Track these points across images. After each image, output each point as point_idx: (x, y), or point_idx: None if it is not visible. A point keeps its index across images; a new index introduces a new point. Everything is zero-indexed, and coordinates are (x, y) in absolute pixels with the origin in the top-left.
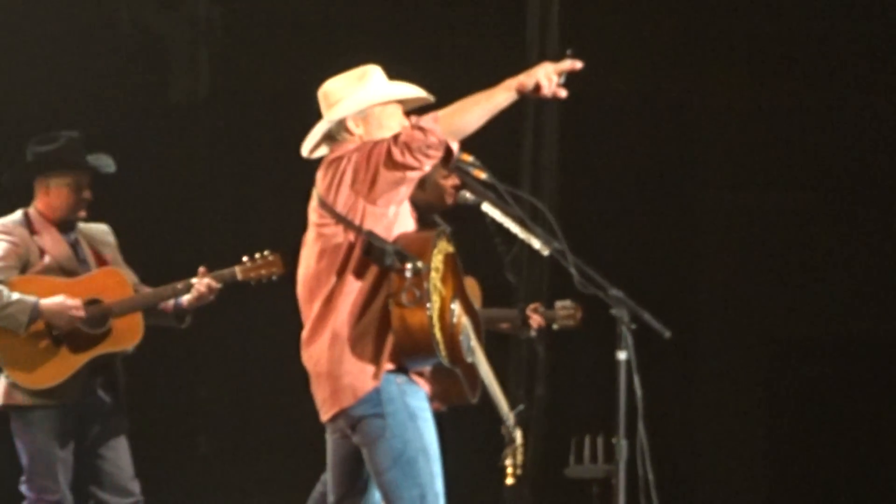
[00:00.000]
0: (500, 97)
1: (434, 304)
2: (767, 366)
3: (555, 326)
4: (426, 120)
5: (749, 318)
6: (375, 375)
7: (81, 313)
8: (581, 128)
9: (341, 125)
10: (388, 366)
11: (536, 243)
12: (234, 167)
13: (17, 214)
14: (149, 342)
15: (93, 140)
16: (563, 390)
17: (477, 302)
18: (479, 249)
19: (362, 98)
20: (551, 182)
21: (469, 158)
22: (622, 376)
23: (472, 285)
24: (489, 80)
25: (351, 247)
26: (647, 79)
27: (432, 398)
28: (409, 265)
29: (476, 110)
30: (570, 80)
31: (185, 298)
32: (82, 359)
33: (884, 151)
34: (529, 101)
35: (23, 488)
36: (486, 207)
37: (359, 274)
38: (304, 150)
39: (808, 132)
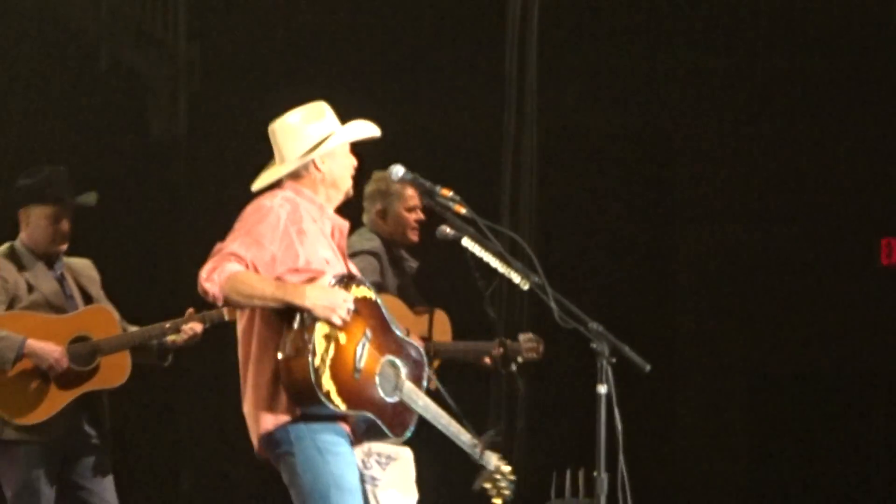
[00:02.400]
0: (288, 301)
1: (319, 354)
2: (747, 399)
3: (519, 359)
4: (219, 272)
5: (729, 352)
6: (286, 417)
7: (64, 364)
8: (560, 162)
9: (310, 163)
10: (294, 410)
11: (516, 278)
12: (212, 204)
13: (3, 248)
14: (130, 377)
15: (71, 175)
16: (543, 424)
17: (446, 336)
18: (459, 284)
19: (335, 139)
20: (530, 216)
21: (449, 193)
22: (602, 410)
23: (440, 319)
24: (467, 117)
25: None
26: (625, 114)
27: (392, 427)
28: (297, 317)
29: (262, 296)
30: (550, 114)
31: (170, 338)
32: (69, 396)
33: (864, 186)
34: (509, 135)
35: None
36: (466, 242)
37: (267, 322)
38: (262, 184)
39: (787, 166)
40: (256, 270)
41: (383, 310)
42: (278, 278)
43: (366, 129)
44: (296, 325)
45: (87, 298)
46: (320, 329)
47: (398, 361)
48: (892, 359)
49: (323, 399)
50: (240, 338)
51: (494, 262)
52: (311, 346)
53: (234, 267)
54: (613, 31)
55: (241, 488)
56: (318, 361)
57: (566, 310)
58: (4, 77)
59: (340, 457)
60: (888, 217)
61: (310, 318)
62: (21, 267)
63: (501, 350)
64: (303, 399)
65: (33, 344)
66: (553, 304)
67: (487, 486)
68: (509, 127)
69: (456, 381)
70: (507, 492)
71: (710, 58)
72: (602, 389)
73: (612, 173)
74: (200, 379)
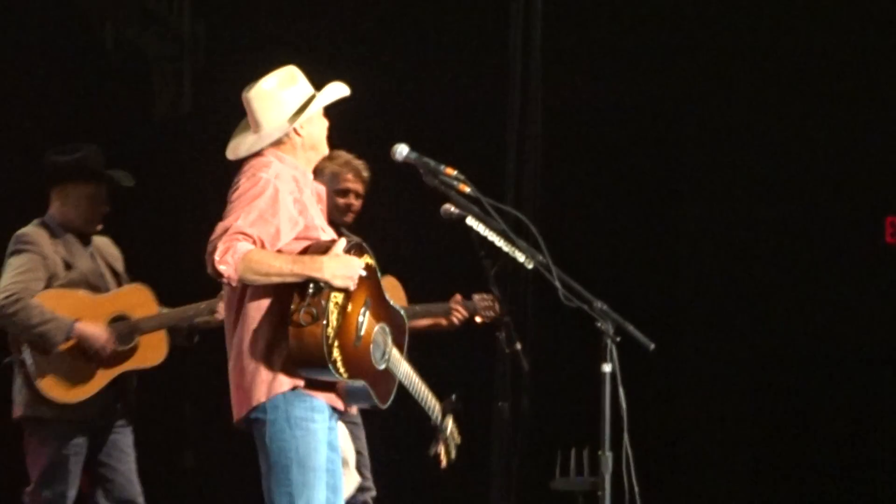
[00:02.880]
0: (306, 274)
1: (332, 323)
2: (752, 378)
3: (477, 319)
4: (231, 253)
5: (733, 330)
6: (268, 387)
7: (111, 347)
8: (564, 140)
9: (290, 128)
10: (282, 379)
11: (521, 257)
12: (217, 182)
13: (37, 224)
14: None
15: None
16: (548, 403)
17: (402, 301)
18: (463, 263)
19: (316, 104)
20: (535, 195)
21: (453, 172)
22: (607, 389)
23: (392, 285)
24: (472, 96)
25: None
26: (630, 90)
27: (379, 396)
28: (310, 284)
29: (280, 273)
30: (555, 91)
31: (201, 318)
32: (111, 374)
33: (870, 164)
34: (513, 113)
35: (26, 500)
36: (471, 221)
37: (256, 294)
38: (243, 152)
39: (792, 145)
40: (264, 246)
41: (378, 275)
42: (280, 250)
43: (339, 90)
44: (310, 293)
45: (115, 276)
46: (333, 297)
47: (387, 328)
48: None
49: (331, 368)
50: (225, 308)
51: (499, 241)
52: (326, 315)
53: (245, 246)
54: (618, 8)
55: (245, 467)
56: (329, 330)
57: (571, 289)
58: (9, 56)
59: (310, 434)
60: (894, 196)
61: (325, 287)
62: (56, 244)
63: (462, 311)
64: (310, 366)
65: (82, 327)
66: (557, 283)
67: (440, 450)
68: (514, 105)
69: (461, 358)
70: (452, 454)
71: (717, 36)
72: (607, 368)
73: (618, 152)
74: (203, 357)
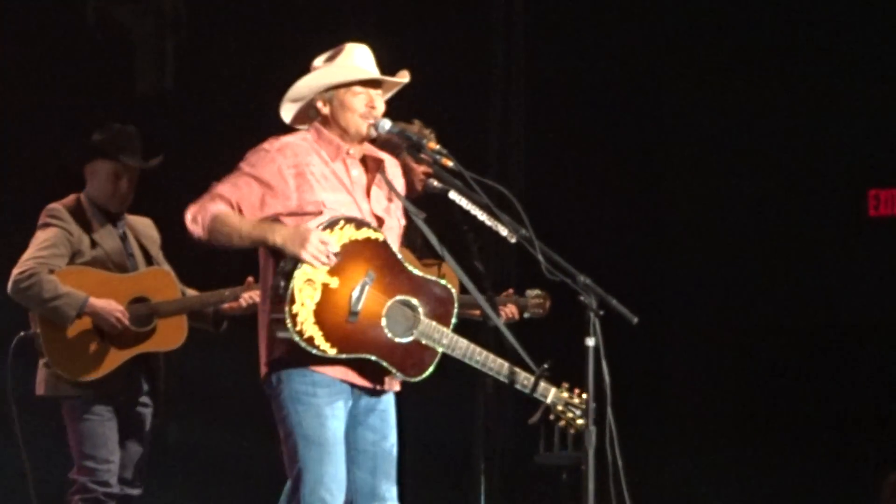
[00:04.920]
0: (262, 237)
1: (298, 301)
2: (737, 351)
3: (525, 315)
4: (203, 214)
5: (718, 304)
6: (268, 359)
7: (126, 321)
8: (548, 114)
9: (312, 104)
10: (277, 352)
11: (504, 231)
12: (200, 159)
13: (71, 199)
14: None
15: (58, 131)
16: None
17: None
18: (447, 237)
19: (318, 80)
20: (518, 169)
21: (436, 147)
22: (590, 363)
23: (448, 273)
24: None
25: None
26: (614, 64)
27: (404, 369)
28: (280, 262)
29: (240, 235)
30: (538, 65)
31: (227, 305)
32: (125, 355)
33: (852, 137)
34: (496, 87)
35: (72, 474)
36: (454, 195)
37: (265, 264)
38: (287, 118)
39: (776, 117)
40: (242, 212)
41: (393, 249)
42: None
43: (348, 73)
44: (278, 269)
45: (148, 258)
46: (302, 275)
47: (414, 301)
48: (880, 310)
49: (304, 345)
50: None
51: (482, 216)
52: (288, 294)
53: (217, 208)
54: None
55: (228, 443)
56: (296, 308)
57: (554, 262)
58: None
59: (312, 408)
60: (876, 169)
61: (289, 265)
62: (85, 221)
63: (512, 308)
64: (290, 345)
65: (95, 302)
66: (541, 257)
67: (551, 417)
68: (497, 79)
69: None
70: (579, 420)
71: (700, 9)
72: (590, 342)
73: (601, 126)
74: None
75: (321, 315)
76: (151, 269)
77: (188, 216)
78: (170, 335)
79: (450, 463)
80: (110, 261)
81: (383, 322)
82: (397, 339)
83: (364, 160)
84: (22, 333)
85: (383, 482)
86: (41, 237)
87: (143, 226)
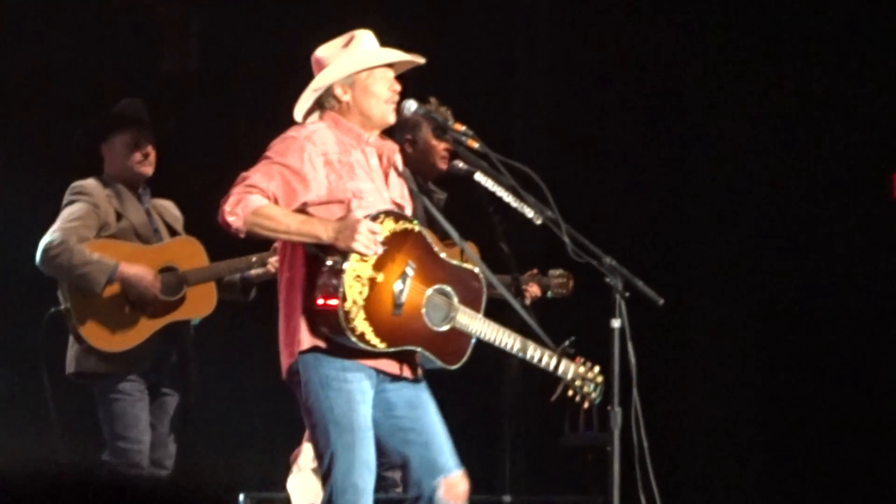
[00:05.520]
0: (312, 234)
1: (351, 298)
2: (761, 332)
3: (549, 294)
4: (242, 206)
5: (742, 286)
6: (301, 347)
7: (157, 288)
8: (573, 95)
9: (329, 92)
10: (305, 339)
11: (529, 212)
12: (225, 138)
13: (93, 178)
14: None
15: (86, 109)
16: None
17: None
18: (472, 219)
19: (344, 66)
20: (543, 151)
21: (461, 128)
22: (616, 344)
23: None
24: (479, 50)
25: None
26: (639, 43)
27: (443, 356)
28: (328, 259)
29: (287, 230)
30: (563, 45)
31: (254, 271)
32: (156, 325)
33: (876, 120)
34: (521, 68)
35: (104, 455)
36: (479, 177)
37: (297, 255)
38: (298, 115)
39: (799, 99)
40: (278, 202)
41: (428, 239)
42: (300, 210)
43: (375, 57)
44: (326, 267)
45: (172, 233)
46: (351, 271)
47: (448, 289)
48: None
49: (356, 341)
50: (278, 263)
51: (507, 197)
52: (340, 291)
53: (257, 200)
54: None
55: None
56: (348, 305)
57: (579, 244)
58: (14, 14)
59: (343, 393)
60: None
61: (340, 262)
62: (110, 196)
63: (535, 287)
64: (340, 341)
65: (126, 269)
66: (566, 239)
67: (570, 393)
68: (522, 60)
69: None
70: (593, 394)
71: None
72: (616, 324)
73: (626, 106)
74: None
75: (370, 310)
76: (179, 238)
77: (225, 208)
78: (199, 303)
79: (475, 445)
80: (136, 233)
81: (423, 312)
82: (436, 328)
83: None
84: (52, 309)
85: (441, 453)
86: (67, 212)
87: (167, 206)
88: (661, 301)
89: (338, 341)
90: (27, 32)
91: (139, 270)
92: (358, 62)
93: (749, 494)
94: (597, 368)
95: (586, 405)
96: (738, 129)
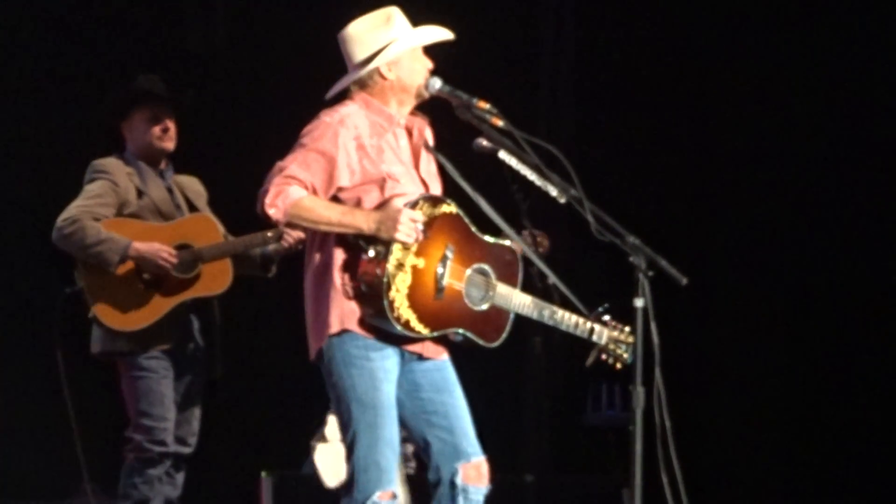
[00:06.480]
0: (354, 225)
1: (394, 287)
2: (786, 312)
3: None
4: (283, 198)
5: (768, 265)
6: (327, 330)
7: (174, 260)
8: (597, 73)
9: (374, 71)
10: (333, 321)
11: (553, 191)
12: (251, 116)
13: (114, 157)
14: None
15: (109, 85)
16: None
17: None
18: (496, 197)
19: (401, 46)
20: (568, 128)
21: (486, 106)
22: (639, 324)
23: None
24: (505, 27)
25: None
26: (663, 24)
27: (484, 335)
28: (370, 249)
29: (329, 222)
30: (588, 24)
31: (273, 247)
32: (171, 302)
33: None
34: (546, 46)
35: (128, 432)
36: (503, 155)
37: (327, 241)
38: (329, 94)
39: (834, 82)
40: (316, 192)
41: (465, 219)
42: (335, 198)
43: (431, 34)
44: (369, 257)
45: (193, 210)
46: (394, 260)
47: (486, 267)
48: None
49: (401, 330)
50: (307, 245)
51: (531, 175)
52: (385, 281)
53: (297, 192)
54: None
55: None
56: (392, 293)
57: (603, 223)
58: None
59: (366, 371)
60: None
61: (383, 251)
62: (131, 173)
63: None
64: (386, 329)
65: (139, 246)
66: (590, 217)
67: (603, 356)
68: (547, 38)
69: None
70: (625, 355)
71: None
72: (639, 303)
73: (650, 85)
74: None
75: (413, 297)
76: (193, 215)
77: (266, 200)
78: (215, 280)
79: (499, 423)
80: (157, 210)
81: (464, 293)
82: (475, 308)
83: (407, 127)
84: (67, 290)
85: (464, 439)
86: (87, 189)
87: (190, 182)
88: (685, 280)
89: (380, 327)
90: (50, 7)
91: (151, 246)
92: (413, 40)
93: (772, 476)
94: (627, 329)
95: (619, 366)
96: (765, 108)
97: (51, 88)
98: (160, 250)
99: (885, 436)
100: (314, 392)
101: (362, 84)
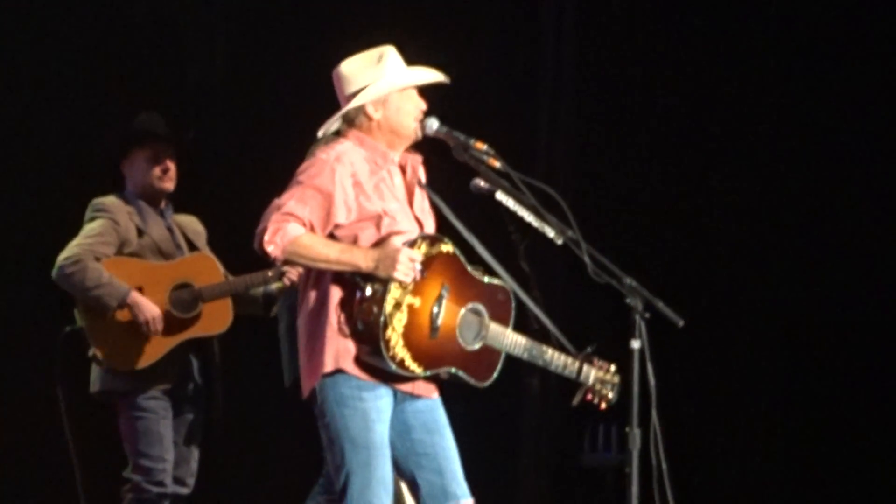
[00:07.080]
0: (353, 263)
1: (390, 326)
2: (782, 355)
3: None
4: (281, 235)
5: (765, 308)
6: (319, 370)
7: (158, 327)
8: (596, 117)
9: (360, 110)
10: (327, 361)
11: (550, 232)
12: (250, 149)
13: (115, 196)
14: None
15: (109, 121)
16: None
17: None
18: (493, 238)
19: (383, 85)
20: (565, 170)
21: (483, 147)
22: (636, 365)
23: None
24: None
25: None
26: (663, 64)
27: (476, 375)
28: (367, 288)
29: (327, 260)
30: (587, 66)
31: (275, 286)
32: (171, 342)
33: None
34: (545, 87)
35: (127, 473)
36: (500, 196)
37: (322, 280)
38: (321, 132)
39: (826, 118)
40: (314, 229)
41: (461, 258)
42: (331, 235)
43: (417, 76)
44: (366, 296)
45: (193, 249)
46: (391, 298)
47: (480, 307)
48: None
49: (396, 369)
50: (301, 283)
51: (529, 217)
52: (382, 319)
53: (296, 229)
54: None
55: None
56: (389, 332)
57: (600, 264)
58: (39, 23)
59: (358, 412)
60: None
61: (380, 290)
62: (131, 212)
63: None
64: (381, 367)
65: (137, 298)
66: (587, 259)
67: (589, 396)
68: (546, 80)
69: None
70: (610, 395)
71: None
72: (636, 344)
73: (649, 128)
74: None
75: (408, 336)
76: (193, 254)
77: (265, 237)
78: (215, 320)
79: (495, 465)
80: (158, 248)
81: (457, 333)
82: (468, 347)
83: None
84: (68, 328)
85: (452, 480)
86: (87, 228)
87: (189, 221)
88: (682, 322)
89: (375, 365)
90: (50, 42)
91: (147, 304)
92: (397, 82)
93: None
94: (613, 367)
95: (603, 406)
96: (758, 146)
97: (50, 125)
98: (154, 319)
99: (887, 480)
100: (314, 433)
101: (350, 122)
